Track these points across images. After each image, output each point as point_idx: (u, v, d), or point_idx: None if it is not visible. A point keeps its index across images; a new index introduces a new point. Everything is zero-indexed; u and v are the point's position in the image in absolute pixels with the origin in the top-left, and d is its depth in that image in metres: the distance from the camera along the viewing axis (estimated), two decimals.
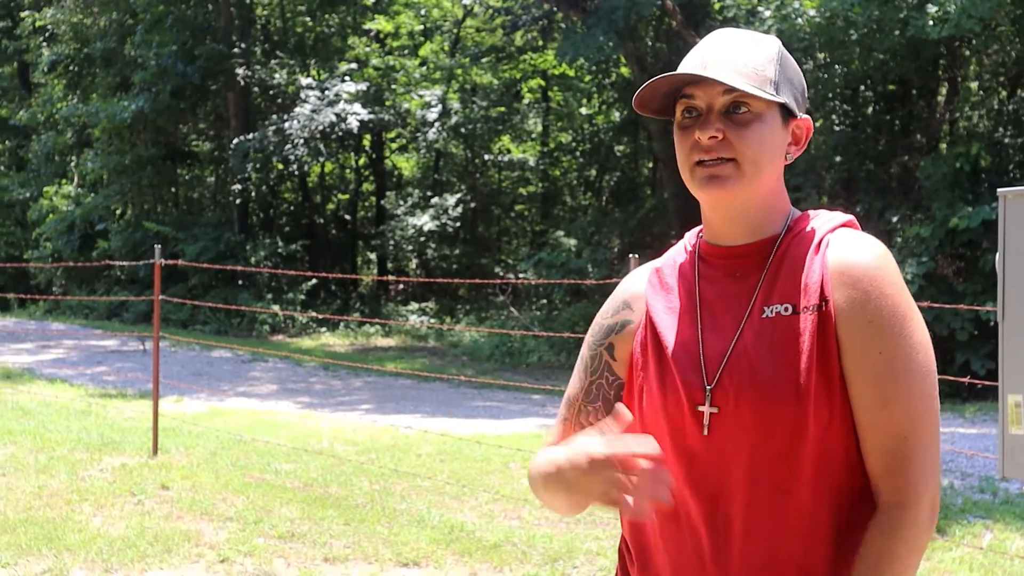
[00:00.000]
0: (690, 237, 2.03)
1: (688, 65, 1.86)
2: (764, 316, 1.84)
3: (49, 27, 29.12)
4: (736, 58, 1.84)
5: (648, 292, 2.00)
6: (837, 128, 18.76)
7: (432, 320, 24.16)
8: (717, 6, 17.96)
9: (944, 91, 18.82)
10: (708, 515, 1.84)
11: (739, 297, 1.89)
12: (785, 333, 1.82)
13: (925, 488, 1.79)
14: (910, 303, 1.83)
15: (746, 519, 1.81)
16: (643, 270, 2.05)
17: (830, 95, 18.77)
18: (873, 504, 1.82)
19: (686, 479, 1.85)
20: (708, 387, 1.84)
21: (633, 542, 1.99)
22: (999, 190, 4.64)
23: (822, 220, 1.92)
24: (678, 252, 2.03)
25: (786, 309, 1.83)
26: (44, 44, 30.50)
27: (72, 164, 30.10)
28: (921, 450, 1.80)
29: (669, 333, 1.92)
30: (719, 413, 1.82)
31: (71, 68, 28.67)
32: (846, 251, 1.84)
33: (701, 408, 1.84)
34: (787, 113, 1.88)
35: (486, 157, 28.82)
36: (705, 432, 1.83)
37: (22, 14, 30.48)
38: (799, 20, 15.50)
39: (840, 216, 1.93)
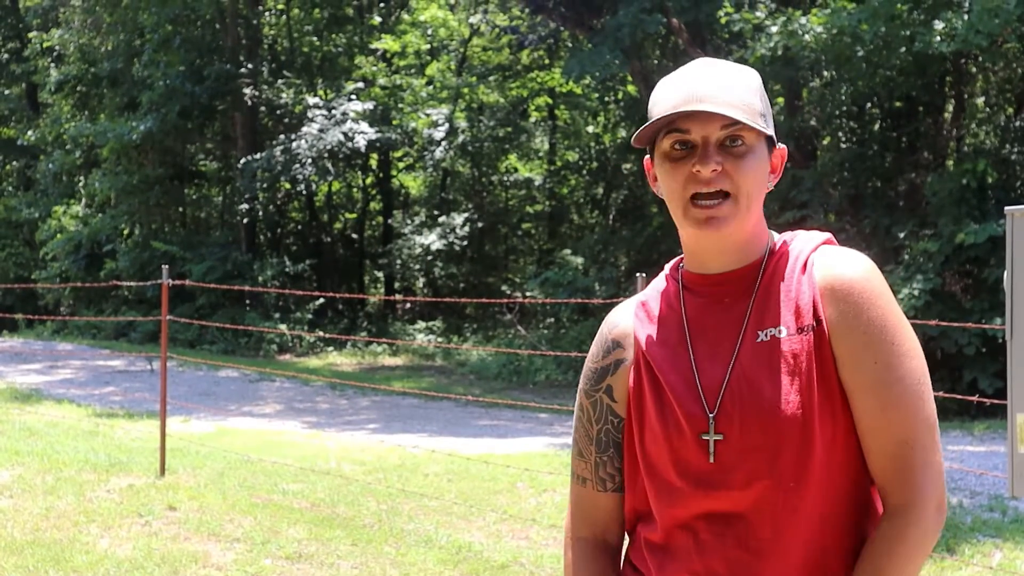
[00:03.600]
0: (671, 268, 2.05)
1: (678, 99, 1.86)
2: (759, 340, 1.87)
3: (57, 48, 29.24)
4: (729, 91, 1.85)
5: (636, 326, 2.01)
6: (844, 145, 18.76)
7: (439, 339, 24.15)
8: (724, 20, 17.98)
9: (951, 108, 18.82)
10: (721, 539, 1.86)
11: (730, 323, 1.91)
12: (783, 356, 1.85)
13: (932, 490, 1.83)
14: (898, 311, 1.88)
15: (759, 539, 1.84)
16: (626, 306, 2.07)
17: (837, 112, 18.78)
18: (873, 496, 1.90)
19: (695, 507, 1.88)
20: (711, 415, 1.86)
21: (645, 570, 1.98)
22: (1007, 208, 4.64)
23: (802, 241, 1.96)
24: (660, 283, 2.05)
25: (779, 331, 1.87)
26: (52, 64, 30.63)
27: (80, 184, 30.17)
28: (922, 453, 1.84)
29: (663, 364, 1.93)
30: (724, 440, 1.85)
31: (79, 88, 28.77)
32: (834, 267, 1.88)
33: (705, 437, 1.86)
34: (771, 143, 1.92)
35: (493, 176, 28.86)
36: (711, 460, 1.85)
37: (30, 35, 30.61)
38: (806, 36, 15.52)
39: (819, 235, 1.98)
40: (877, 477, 1.86)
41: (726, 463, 1.85)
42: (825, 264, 1.89)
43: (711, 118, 1.83)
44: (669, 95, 1.88)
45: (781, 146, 1.96)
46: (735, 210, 1.85)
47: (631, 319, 2.03)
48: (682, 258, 2.02)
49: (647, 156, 1.97)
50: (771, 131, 1.90)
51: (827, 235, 1.98)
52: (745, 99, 1.86)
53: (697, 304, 1.95)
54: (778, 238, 1.98)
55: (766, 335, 1.87)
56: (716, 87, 1.85)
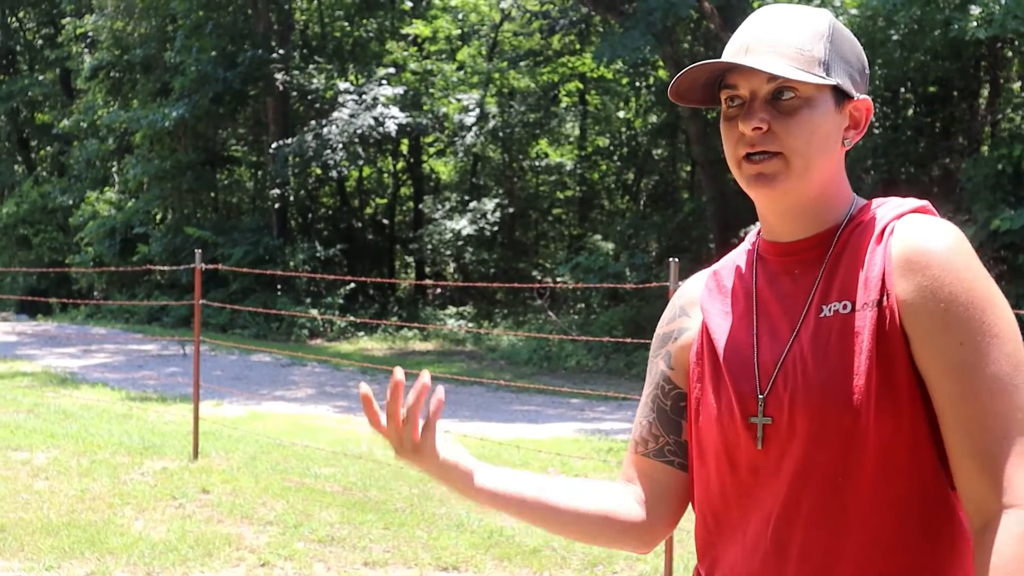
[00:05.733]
0: (751, 236, 1.88)
1: (730, 50, 1.71)
2: (821, 316, 1.67)
3: (90, 34, 29.39)
4: (780, 39, 1.67)
5: (704, 297, 1.85)
6: (877, 130, 18.62)
7: (470, 324, 24.18)
8: (756, 4, 17.88)
9: (986, 93, 18.66)
10: (764, 534, 1.69)
11: (796, 296, 1.72)
12: (842, 333, 1.65)
13: None
14: (990, 288, 1.63)
15: (804, 538, 1.65)
16: (702, 275, 1.92)
17: (870, 97, 18.65)
18: (948, 513, 1.63)
19: (743, 496, 1.72)
20: (761, 396, 1.69)
21: (704, 568, 1.83)
22: None
23: (889, 207, 1.74)
24: (739, 253, 1.88)
25: (844, 307, 1.66)
26: (86, 51, 30.79)
27: (113, 170, 30.36)
28: (1021, 450, 1.56)
29: (722, 339, 1.77)
30: (773, 424, 1.67)
31: (112, 75, 28.93)
32: (913, 237, 1.65)
33: (753, 420, 1.69)
34: (841, 95, 1.70)
35: (524, 161, 28.83)
36: (759, 446, 1.68)
37: (63, 21, 30.77)
38: (840, 18, 15.41)
39: (911, 201, 1.76)
40: (963, 484, 1.59)
41: (774, 450, 1.67)
42: (904, 233, 1.66)
43: (754, 70, 1.65)
44: (727, 48, 1.73)
45: (862, 97, 1.73)
46: (787, 170, 1.66)
47: (701, 288, 1.88)
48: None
49: None
50: (838, 80, 1.67)
51: (922, 202, 1.77)
52: (799, 46, 1.67)
53: (768, 275, 1.78)
54: (863, 204, 1.76)
55: (829, 310, 1.67)
56: (767, 35, 1.68)
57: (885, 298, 1.63)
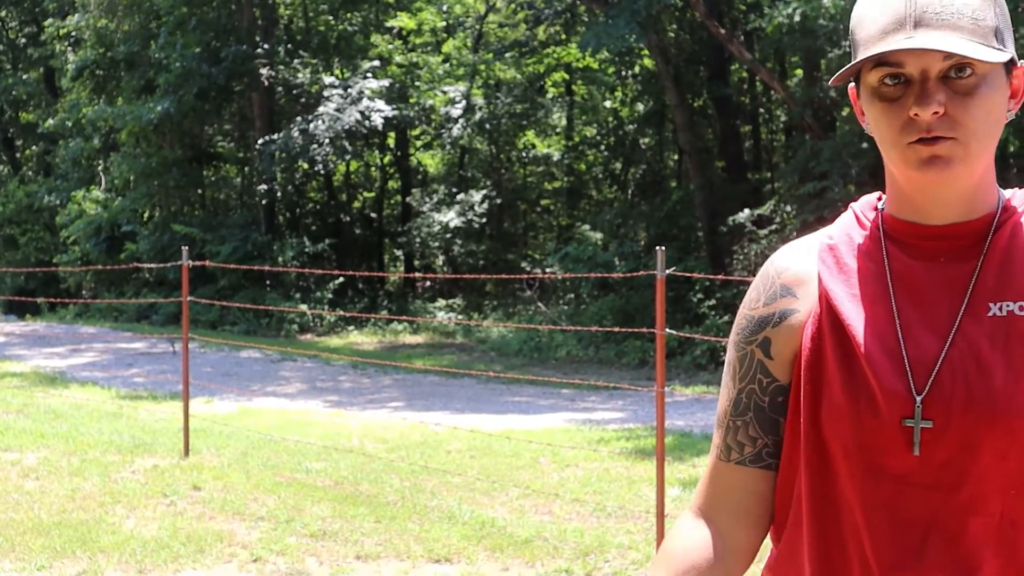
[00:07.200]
0: (864, 208, 1.66)
1: (888, 20, 1.49)
2: (991, 314, 1.51)
3: (73, 33, 29.30)
4: (952, 7, 1.46)
5: (824, 273, 1.61)
6: None
7: (459, 316, 24.17)
8: None
9: None
10: (912, 553, 1.51)
11: (951, 287, 1.54)
12: (1023, 336, 1.49)
13: None
14: None
15: (967, 558, 1.49)
16: (804, 247, 1.67)
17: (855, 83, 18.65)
18: None
19: (883, 509, 1.53)
20: (918, 396, 1.50)
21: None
22: None
23: None
24: (851, 226, 1.65)
25: (1022, 308, 1.50)
26: (69, 49, 30.68)
27: (99, 168, 30.28)
28: None
29: (858, 326, 1.55)
30: (933, 428, 1.49)
31: (96, 72, 28.84)
32: None
33: (909, 422, 1.50)
34: (1009, 64, 1.53)
35: (511, 153, 28.83)
36: (916, 451, 1.50)
37: (46, 23, 30.67)
38: (825, 2, 15.37)
39: None
40: None
41: (936, 459, 1.49)
42: None
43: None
44: (875, 15, 1.50)
45: (1023, 64, 1.56)
46: (964, 153, 1.48)
47: (813, 263, 1.63)
48: (880, 197, 1.66)
49: (851, 85, 1.60)
50: (1012, 52, 1.50)
51: None
52: (973, 14, 1.47)
53: (905, 258, 1.57)
54: (1009, 192, 1.62)
55: (1002, 309, 1.51)
56: (937, 2, 1.47)
57: None
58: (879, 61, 1.49)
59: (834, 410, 1.54)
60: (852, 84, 1.59)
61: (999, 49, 1.47)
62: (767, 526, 1.67)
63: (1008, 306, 1.51)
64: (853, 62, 1.51)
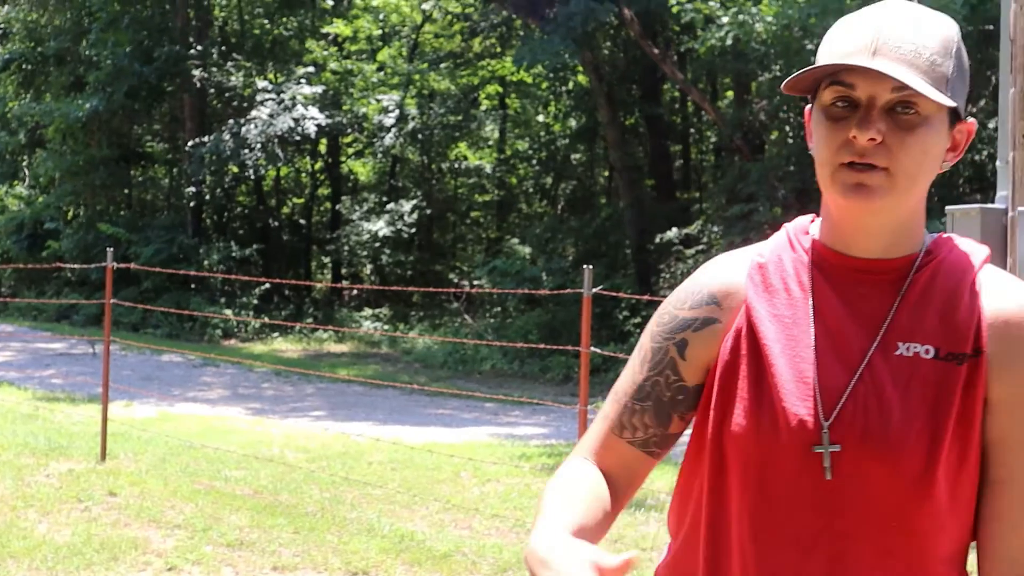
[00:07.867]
0: (797, 231, 1.70)
1: (851, 45, 1.54)
2: (898, 353, 1.55)
3: (2, 25, 28.82)
4: (913, 46, 1.52)
5: (751, 291, 1.65)
6: (791, 140, 18.90)
7: (385, 327, 24.09)
8: (676, 10, 18.05)
9: None
10: (791, 571, 1.57)
11: (867, 322, 1.58)
12: (925, 380, 1.54)
13: None
14: None
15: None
16: (736, 260, 1.71)
17: (784, 106, 18.92)
18: None
19: (771, 526, 1.58)
20: (825, 423, 1.54)
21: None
22: (947, 208, 4.70)
23: (961, 252, 1.63)
24: (782, 247, 1.68)
25: (927, 351, 1.55)
26: None
27: (23, 164, 29.78)
28: None
29: (775, 348, 1.59)
30: (840, 452, 1.53)
31: (24, 67, 28.39)
32: (1010, 297, 1.57)
33: (819, 448, 1.54)
34: (954, 116, 1.58)
35: (443, 164, 28.83)
36: (828, 476, 1.54)
37: None
38: (757, 26, 15.58)
39: (982, 248, 1.65)
40: (1008, 550, 1.55)
41: (826, 483, 1.55)
42: (998, 291, 1.57)
43: (883, 75, 1.50)
44: (844, 39, 1.55)
45: (970, 120, 1.60)
46: (891, 185, 1.52)
47: (742, 278, 1.67)
48: (812, 220, 1.70)
49: (808, 106, 1.63)
50: (959, 103, 1.55)
51: (986, 249, 1.66)
52: (931, 58, 1.52)
53: (827, 288, 1.61)
54: (934, 237, 1.64)
55: (908, 350, 1.55)
56: (899, 38, 1.52)
57: (977, 355, 1.54)
58: (833, 81, 1.54)
59: (738, 427, 1.59)
60: (809, 106, 1.63)
61: (947, 96, 1.52)
62: (625, 503, 1.72)
63: (915, 347, 1.55)
64: (807, 68, 1.56)
